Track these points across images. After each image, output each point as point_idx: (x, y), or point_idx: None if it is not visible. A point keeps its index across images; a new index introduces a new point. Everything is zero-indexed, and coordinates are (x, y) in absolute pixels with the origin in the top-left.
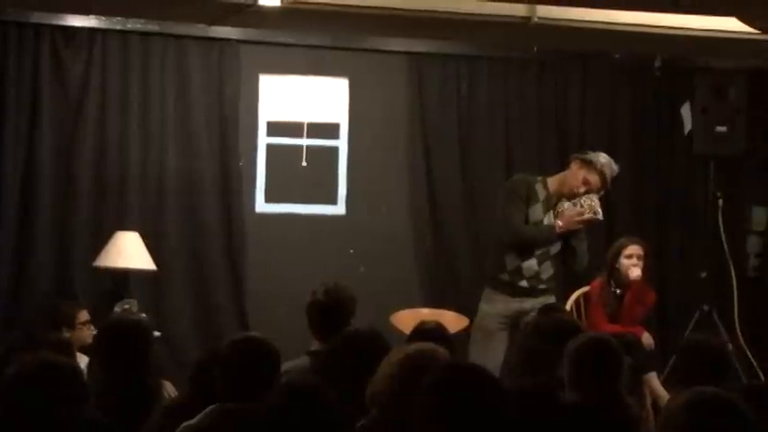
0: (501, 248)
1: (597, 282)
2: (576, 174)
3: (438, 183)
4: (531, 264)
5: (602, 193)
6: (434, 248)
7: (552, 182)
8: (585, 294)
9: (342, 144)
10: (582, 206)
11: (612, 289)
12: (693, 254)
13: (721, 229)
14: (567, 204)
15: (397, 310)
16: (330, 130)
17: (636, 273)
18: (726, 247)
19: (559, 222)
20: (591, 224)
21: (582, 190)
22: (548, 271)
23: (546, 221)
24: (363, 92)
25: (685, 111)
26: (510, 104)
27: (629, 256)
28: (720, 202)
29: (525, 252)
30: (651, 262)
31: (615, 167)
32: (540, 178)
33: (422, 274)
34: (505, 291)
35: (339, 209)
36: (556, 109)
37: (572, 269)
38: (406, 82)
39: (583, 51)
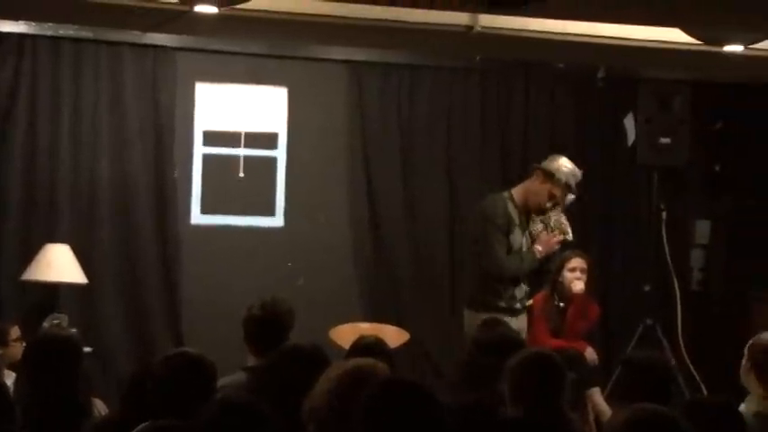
0: (491, 277)
1: (540, 295)
2: (540, 189)
3: (378, 193)
4: (521, 287)
5: (571, 199)
6: (375, 261)
7: (518, 196)
8: (528, 308)
9: (280, 154)
10: (552, 228)
11: (555, 303)
12: (637, 267)
13: (665, 243)
14: (539, 226)
15: (337, 324)
16: (268, 140)
17: (579, 286)
18: (669, 260)
19: (539, 248)
20: (562, 244)
21: (549, 205)
22: (525, 289)
23: (524, 243)
24: (302, 101)
25: (629, 121)
26: (452, 114)
27: (573, 270)
28: (664, 214)
29: (516, 279)
30: (595, 275)
31: (578, 173)
32: (506, 195)
33: (362, 287)
34: (506, 314)
35: (277, 220)
36: (498, 119)
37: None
38: (346, 91)
39: (526, 61)
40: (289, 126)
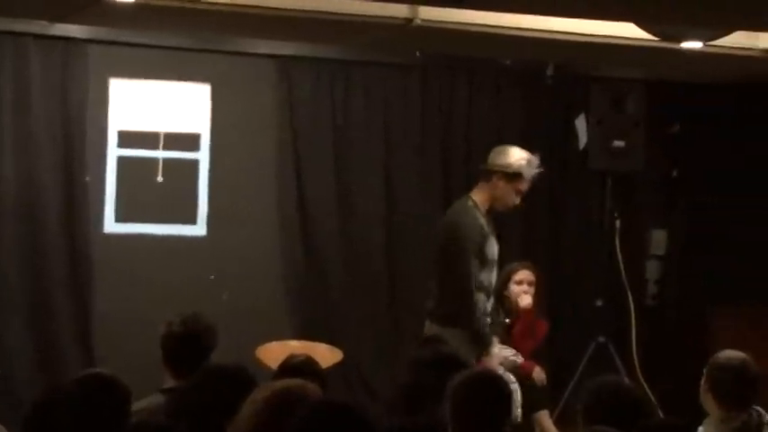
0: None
1: None
2: (506, 191)
3: (310, 199)
4: (488, 302)
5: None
6: (306, 273)
7: (481, 202)
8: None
9: (202, 156)
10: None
11: (501, 318)
12: (588, 280)
13: (618, 253)
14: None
15: (264, 342)
16: (189, 142)
17: (526, 301)
18: (623, 272)
19: (499, 351)
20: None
21: (518, 201)
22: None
23: (497, 250)
24: (227, 99)
25: (580, 123)
26: (389, 112)
27: (520, 282)
28: (618, 223)
29: (487, 291)
30: (543, 289)
31: (535, 159)
32: (470, 203)
33: (292, 302)
34: (496, 332)
35: (199, 229)
36: (440, 118)
37: None
38: (274, 88)
39: (470, 56)
40: (212, 126)
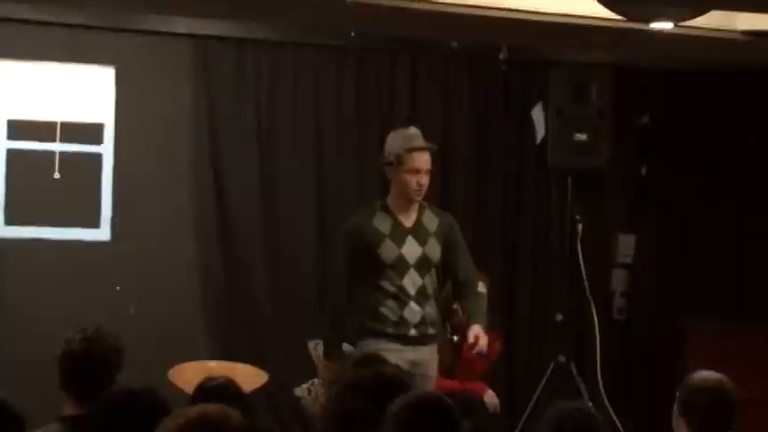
0: (373, 297)
1: None
2: (398, 179)
3: (231, 198)
4: (410, 308)
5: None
6: (227, 282)
7: (392, 201)
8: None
9: (106, 150)
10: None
11: (448, 335)
12: (547, 291)
13: (581, 262)
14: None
15: (178, 362)
16: (91, 133)
17: None
18: (586, 283)
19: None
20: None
21: (423, 180)
22: (432, 312)
23: (406, 252)
24: (134, 84)
25: (537, 113)
26: (321, 100)
27: None
28: (580, 227)
29: (400, 297)
30: (495, 301)
31: (410, 130)
32: (379, 205)
33: (210, 317)
34: (398, 340)
35: (102, 233)
36: (378, 107)
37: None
38: (189, 72)
39: (412, 38)
40: (117, 115)
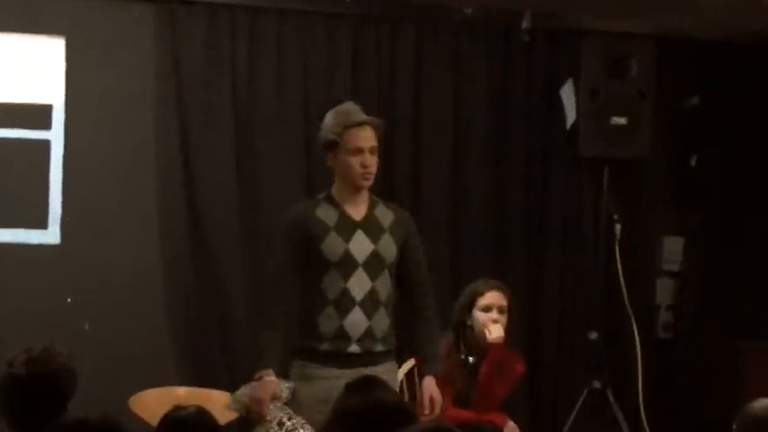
0: (309, 304)
1: (441, 345)
2: (343, 160)
3: (204, 193)
4: (356, 318)
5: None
6: (198, 294)
7: (336, 191)
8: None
9: (55, 136)
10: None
11: (462, 356)
12: (579, 305)
13: (619, 270)
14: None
15: (140, 388)
16: (37, 116)
17: (497, 332)
18: (625, 295)
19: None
20: None
21: (369, 161)
22: (383, 323)
23: (353, 245)
24: (88, 57)
25: (567, 93)
26: (310, 75)
27: (488, 308)
28: (618, 228)
29: (342, 304)
30: (518, 317)
31: (345, 105)
32: (322, 196)
33: (179, 333)
34: (328, 362)
35: (51, 235)
36: (378, 84)
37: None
38: (154, 42)
39: (418, 3)
40: (68, 94)
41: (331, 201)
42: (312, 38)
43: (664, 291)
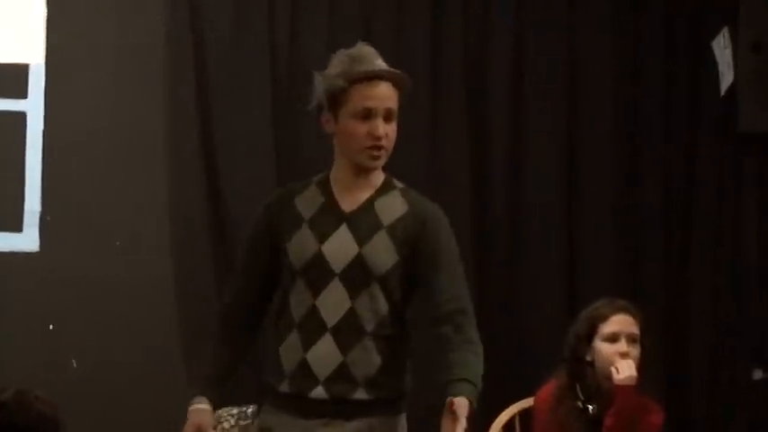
0: (275, 329)
1: (549, 388)
2: (346, 127)
3: (229, 182)
4: (324, 349)
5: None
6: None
7: (336, 172)
8: (529, 412)
9: (32, 108)
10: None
11: (579, 403)
12: (736, 335)
13: None
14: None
15: None
16: (11, 81)
17: (628, 371)
18: None
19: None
20: None
21: (382, 130)
22: (367, 361)
23: (334, 241)
24: (76, 8)
25: (720, 48)
26: (375, 38)
27: (614, 338)
28: None
29: (308, 328)
30: (654, 350)
31: (359, 46)
32: (317, 178)
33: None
34: (289, 408)
35: (27, 240)
36: (464, 43)
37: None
38: None
39: None
40: (49, 54)
41: (324, 185)
42: None
43: None
